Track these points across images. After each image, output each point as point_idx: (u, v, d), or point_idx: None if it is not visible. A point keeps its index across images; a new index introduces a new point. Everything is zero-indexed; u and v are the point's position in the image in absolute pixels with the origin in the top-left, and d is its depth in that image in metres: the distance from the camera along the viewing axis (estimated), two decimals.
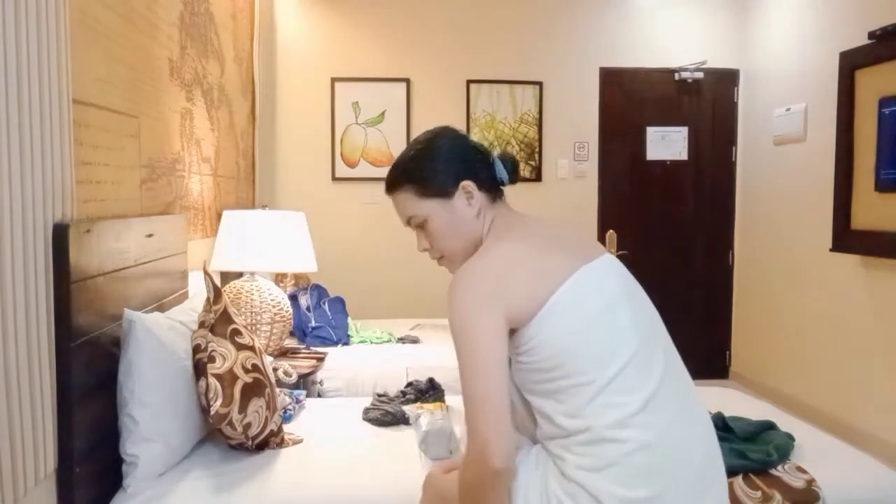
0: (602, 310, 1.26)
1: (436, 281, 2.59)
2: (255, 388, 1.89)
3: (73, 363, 1.57)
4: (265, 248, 2.87)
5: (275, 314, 2.91)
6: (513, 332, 1.26)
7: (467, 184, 1.37)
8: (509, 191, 1.48)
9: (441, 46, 4.87)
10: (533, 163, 4.93)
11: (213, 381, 1.80)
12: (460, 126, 4.84)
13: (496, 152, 1.45)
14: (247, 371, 1.90)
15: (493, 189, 1.42)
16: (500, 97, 4.90)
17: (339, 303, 3.69)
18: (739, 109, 5.02)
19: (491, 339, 1.20)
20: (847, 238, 3.75)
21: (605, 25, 4.96)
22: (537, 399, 1.29)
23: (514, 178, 1.45)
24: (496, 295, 1.22)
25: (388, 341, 3.50)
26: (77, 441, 1.60)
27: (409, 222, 1.41)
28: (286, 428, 2.14)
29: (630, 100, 5.00)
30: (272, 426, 1.97)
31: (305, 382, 2.90)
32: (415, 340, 3.52)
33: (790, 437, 2.00)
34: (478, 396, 1.19)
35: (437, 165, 1.38)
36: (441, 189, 1.37)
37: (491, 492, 1.20)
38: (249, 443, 1.92)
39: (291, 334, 3.42)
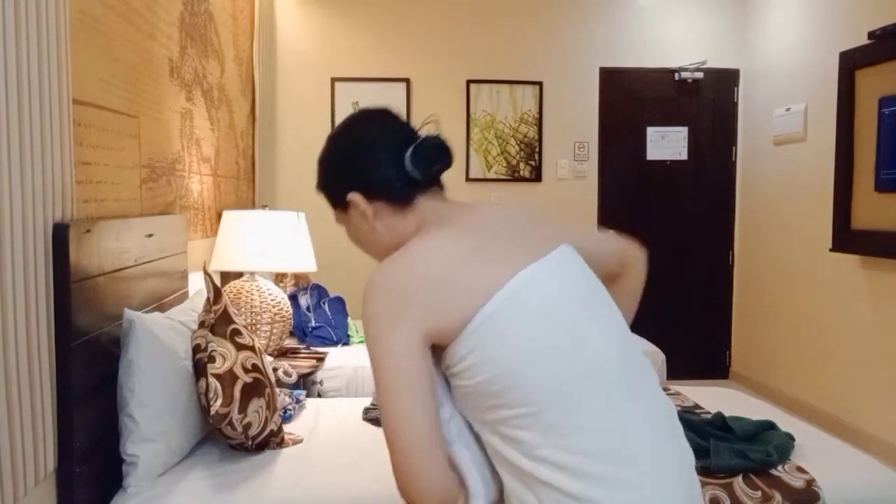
0: (554, 320, 1.03)
1: None
2: (255, 388, 1.89)
3: (73, 363, 1.57)
4: (265, 248, 2.87)
5: (275, 314, 2.91)
6: (441, 349, 1.04)
7: (352, 197, 1.14)
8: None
9: (441, 46, 4.87)
10: (533, 163, 4.93)
11: (213, 381, 1.80)
12: (460, 126, 4.85)
13: (422, 137, 1.16)
14: (247, 371, 1.90)
15: (407, 190, 1.14)
16: (500, 97, 4.90)
17: (339, 303, 3.69)
18: (739, 109, 5.03)
19: (400, 356, 0.99)
20: (847, 238, 3.75)
21: (605, 25, 4.96)
22: (487, 434, 1.05)
23: (432, 170, 1.14)
24: (412, 304, 1.00)
25: None
26: (77, 441, 1.59)
27: None
28: (286, 428, 2.14)
29: (630, 100, 5.00)
30: (272, 426, 1.97)
31: (305, 382, 2.90)
32: None
33: (790, 437, 2.00)
34: (386, 424, 1.02)
35: (329, 174, 1.18)
36: (335, 201, 1.18)
37: None
38: (249, 443, 1.92)
39: (291, 334, 3.42)
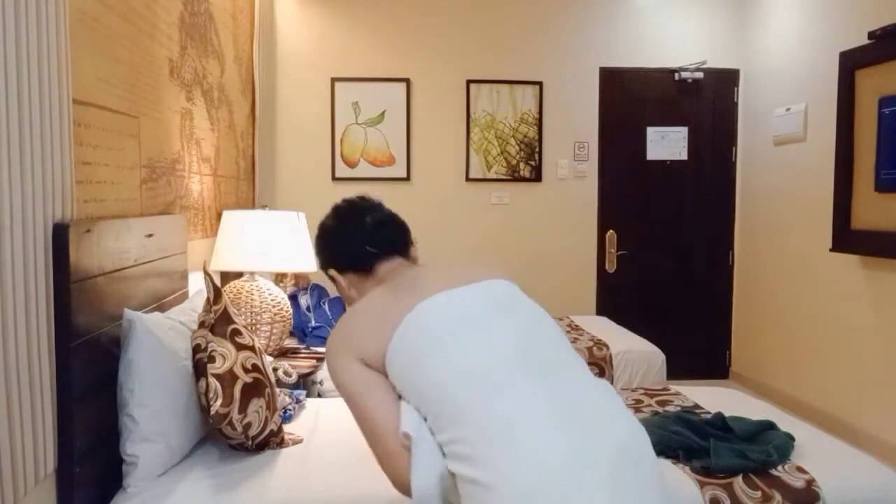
0: (445, 331, 1.31)
1: None
2: (255, 388, 1.89)
3: (73, 363, 1.57)
4: (265, 248, 2.87)
5: (275, 314, 2.91)
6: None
7: (332, 273, 1.60)
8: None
9: (441, 46, 4.87)
10: (533, 163, 4.93)
11: (213, 381, 1.80)
12: (460, 126, 4.85)
13: (368, 220, 1.56)
14: (247, 371, 1.90)
15: (367, 262, 1.54)
16: (500, 97, 4.90)
17: (339, 303, 3.69)
18: (739, 109, 5.03)
19: (347, 375, 1.37)
20: (847, 238, 3.75)
21: (605, 25, 4.96)
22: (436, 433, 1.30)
23: (379, 244, 1.54)
24: (347, 342, 1.39)
25: None
26: (77, 441, 1.60)
27: None
28: (286, 428, 2.14)
29: (630, 100, 5.00)
30: (272, 426, 1.97)
31: (305, 382, 2.90)
32: None
33: (790, 437, 2.00)
34: (362, 430, 1.36)
35: (317, 256, 1.64)
36: (325, 273, 1.64)
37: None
38: (249, 443, 1.92)
39: (291, 334, 3.42)
